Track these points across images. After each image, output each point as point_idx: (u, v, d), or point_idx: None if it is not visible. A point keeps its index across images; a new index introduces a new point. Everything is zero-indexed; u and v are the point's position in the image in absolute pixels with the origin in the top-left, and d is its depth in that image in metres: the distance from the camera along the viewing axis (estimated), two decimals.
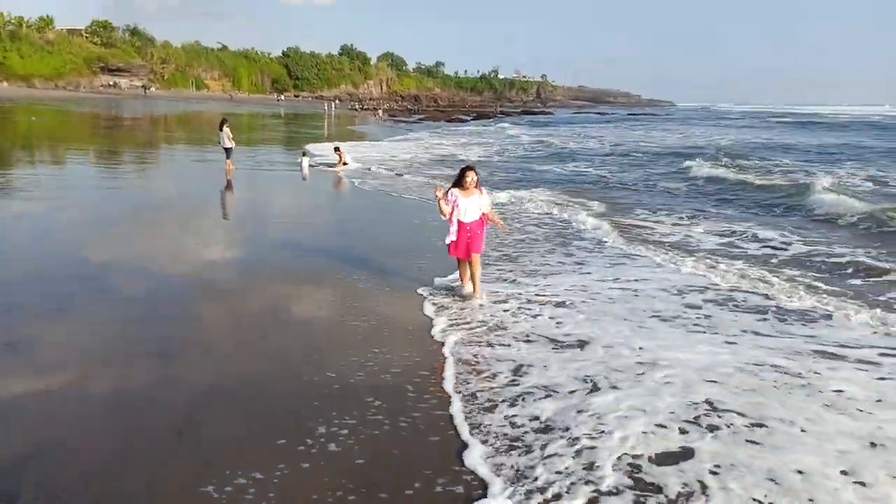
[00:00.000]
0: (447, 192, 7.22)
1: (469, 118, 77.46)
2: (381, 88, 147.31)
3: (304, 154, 20.32)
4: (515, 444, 4.28)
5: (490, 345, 6.04)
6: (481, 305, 6.99)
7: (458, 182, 7.19)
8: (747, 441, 4.64)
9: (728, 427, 4.82)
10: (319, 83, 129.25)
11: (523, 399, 5.01)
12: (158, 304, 6.75)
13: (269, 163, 21.18)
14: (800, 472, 4.32)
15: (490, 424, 4.52)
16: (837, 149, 32.69)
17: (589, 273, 8.62)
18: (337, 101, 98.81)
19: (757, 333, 6.79)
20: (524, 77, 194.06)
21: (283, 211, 13.54)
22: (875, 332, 6.85)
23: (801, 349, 6.39)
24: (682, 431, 4.72)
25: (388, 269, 8.30)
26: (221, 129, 17.74)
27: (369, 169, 20.36)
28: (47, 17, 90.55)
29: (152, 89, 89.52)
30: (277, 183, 17.48)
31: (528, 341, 6.19)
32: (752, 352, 6.29)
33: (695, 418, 4.90)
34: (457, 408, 4.71)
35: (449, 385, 5.08)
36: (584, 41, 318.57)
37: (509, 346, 6.06)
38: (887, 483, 4.17)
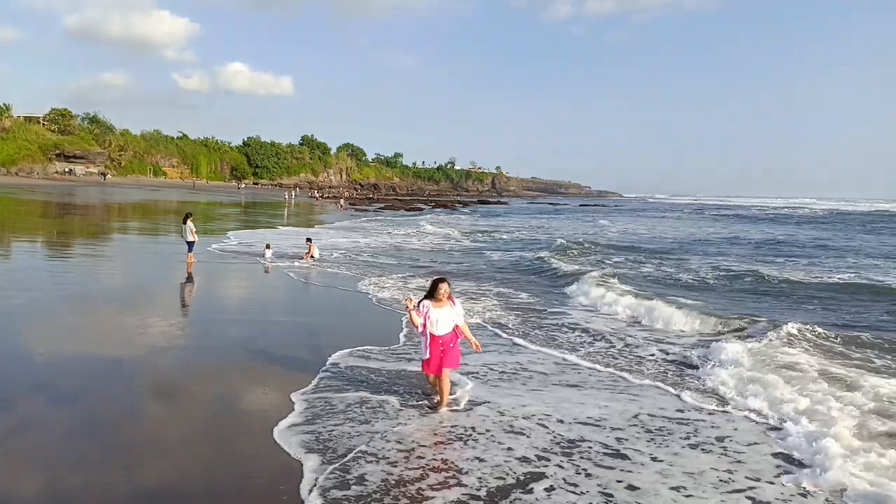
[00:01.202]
0: (419, 303, 7.01)
1: (428, 207, 79.27)
2: (341, 177, 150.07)
3: (267, 246, 20.32)
4: None
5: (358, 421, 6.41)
6: (443, 418, 6.73)
7: (431, 293, 6.96)
8: (597, 465, 5.46)
9: (585, 456, 5.66)
10: (279, 171, 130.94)
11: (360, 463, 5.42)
12: (101, 406, 6.67)
13: (232, 253, 20.99)
14: (632, 487, 5.08)
15: None
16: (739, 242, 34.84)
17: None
18: (297, 190, 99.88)
19: (665, 392, 7.73)
20: (479, 168, 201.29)
21: (239, 306, 13.47)
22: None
23: (709, 406, 7.26)
24: (542, 459, 5.57)
25: (304, 365, 8.41)
26: (185, 223, 17.77)
27: (331, 257, 20.45)
28: (4, 105, 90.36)
29: (109, 176, 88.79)
30: (238, 275, 17.28)
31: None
32: (653, 406, 7.19)
33: (552, 451, 5.74)
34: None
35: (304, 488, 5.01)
36: (538, 135, 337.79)
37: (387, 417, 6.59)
38: (712, 497, 4.91)
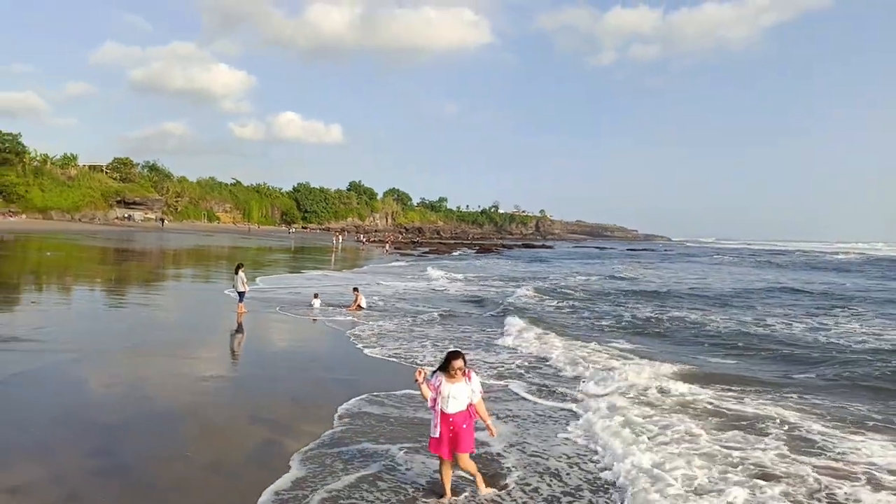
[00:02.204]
0: (433, 374, 6.30)
1: (471, 251, 79.24)
2: (387, 221, 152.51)
3: (315, 296, 20.37)
4: None
5: None
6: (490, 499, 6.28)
7: (444, 367, 6.22)
8: None
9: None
10: (327, 215, 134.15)
11: None
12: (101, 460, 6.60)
13: (278, 302, 21.09)
14: None
15: None
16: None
17: None
18: (345, 234, 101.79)
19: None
20: (523, 212, 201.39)
21: (281, 359, 13.42)
22: None
23: None
24: None
25: (322, 420, 8.42)
26: (237, 273, 18.01)
27: (377, 305, 20.33)
28: (71, 154, 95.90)
29: (166, 222, 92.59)
30: (285, 326, 17.22)
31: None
32: None
33: None
34: None
35: None
36: (582, 178, 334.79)
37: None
38: None
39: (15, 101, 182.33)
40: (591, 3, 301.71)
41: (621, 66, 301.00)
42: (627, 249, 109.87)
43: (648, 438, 7.89)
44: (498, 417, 8.72)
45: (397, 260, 53.60)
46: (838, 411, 9.53)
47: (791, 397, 10.39)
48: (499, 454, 7.53)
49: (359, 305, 19.96)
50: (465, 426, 6.12)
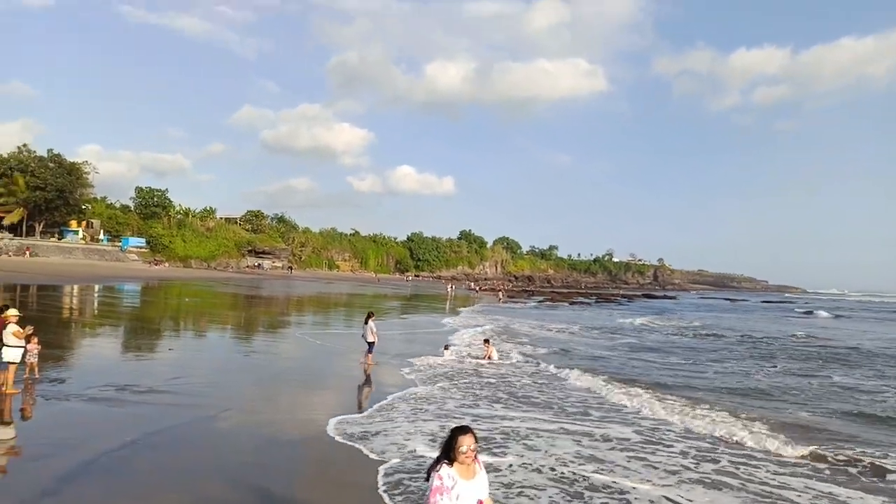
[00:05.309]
0: (435, 467, 4.34)
1: (590, 301, 75.68)
2: (496, 269, 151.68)
3: (446, 347, 19.25)
4: None
5: None
6: None
7: (448, 452, 4.32)
8: None
9: None
10: (439, 264, 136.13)
11: None
12: None
13: (406, 353, 20.01)
14: None
15: None
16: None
17: None
18: (455, 282, 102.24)
19: None
20: (640, 260, 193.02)
21: (403, 423, 11.90)
22: None
23: None
24: None
25: None
26: (367, 323, 17.22)
27: (506, 362, 18.64)
28: (210, 208, 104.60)
29: (293, 270, 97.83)
30: (412, 378, 15.97)
31: None
32: None
33: None
34: None
35: None
36: (703, 227, 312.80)
37: None
38: None
39: (167, 161, 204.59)
40: (713, 45, 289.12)
41: (746, 109, 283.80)
42: (762, 301, 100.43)
43: None
44: None
45: (514, 310, 51.70)
46: None
47: None
48: None
49: (489, 357, 18.70)
50: None
